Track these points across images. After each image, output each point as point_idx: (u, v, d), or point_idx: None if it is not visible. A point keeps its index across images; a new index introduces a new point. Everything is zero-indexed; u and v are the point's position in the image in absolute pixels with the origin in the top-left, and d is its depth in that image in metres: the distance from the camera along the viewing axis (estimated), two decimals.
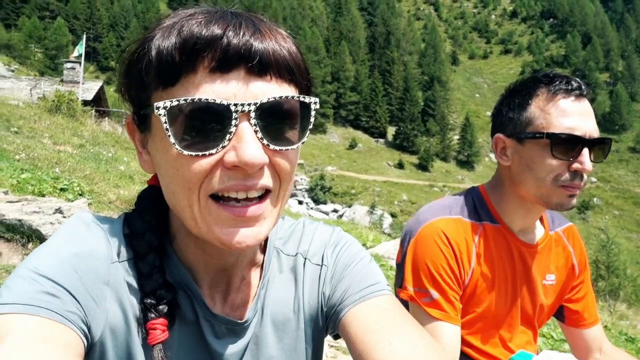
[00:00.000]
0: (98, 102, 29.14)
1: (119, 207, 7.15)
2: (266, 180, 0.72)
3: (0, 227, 4.73)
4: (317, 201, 67.10)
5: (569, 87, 1.39)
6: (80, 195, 7.05)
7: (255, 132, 0.68)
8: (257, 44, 0.68)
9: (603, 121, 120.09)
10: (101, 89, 31.02)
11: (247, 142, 0.67)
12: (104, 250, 0.77)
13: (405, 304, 1.56)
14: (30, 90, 26.47)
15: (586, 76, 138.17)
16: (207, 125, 0.68)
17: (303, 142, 0.77)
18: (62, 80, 28.92)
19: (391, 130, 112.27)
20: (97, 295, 0.74)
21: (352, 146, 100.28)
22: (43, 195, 6.35)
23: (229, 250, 0.76)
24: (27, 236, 4.72)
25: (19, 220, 4.75)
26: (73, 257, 0.73)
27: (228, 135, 0.67)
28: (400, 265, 1.55)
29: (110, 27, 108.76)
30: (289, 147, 0.73)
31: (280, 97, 0.70)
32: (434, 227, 1.50)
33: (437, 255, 1.46)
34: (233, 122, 0.67)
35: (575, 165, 1.37)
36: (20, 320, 0.64)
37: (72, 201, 6.18)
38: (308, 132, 0.76)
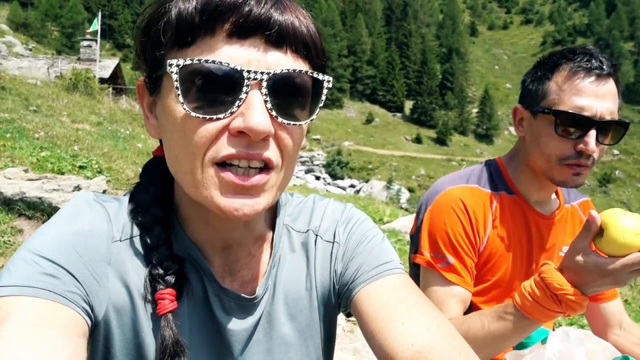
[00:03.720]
0: (115, 80, 29.30)
1: None
2: (270, 152, 0.71)
3: (21, 204, 4.82)
4: (334, 176, 67.07)
5: (590, 66, 1.36)
6: (99, 172, 7.13)
7: (265, 102, 0.68)
8: (277, 15, 0.68)
9: (627, 92, 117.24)
10: (118, 66, 31.15)
11: (255, 109, 0.67)
12: (105, 229, 0.77)
13: (416, 273, 1.57)
14: (48, 68, 26.66)
15: (610, 45, 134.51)
16: (218, 89, 0.67)
17: (312, 120, 0.76)
18: (78, 59, 29.13)
19: (408, 104, 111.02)
20: (98, 275, 0.74)
21: (369, 121, 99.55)
22: (62, 173, 6.42)
23: (230, 220, 0.75)
24: (47, 214, 4.80)
25: (39, 198, 4.83)
26: (73, 236, 0.73)
27: (238, 102, 0.67)
28: (416, 234, 1.56)
29: (125, 4, 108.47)
30: (296, 123, 0.72)
31: (294, 70, 0.69)
32: (450, 194, 1.51)
33: (454, 221, 1.47)
34: (244, 89, 0.67)
35: (580, 146, 1.35)
36: (20, 302, 0.64)
37: (91, 179, 6.26)
38: (317, 110, 0.75)
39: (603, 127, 1.35)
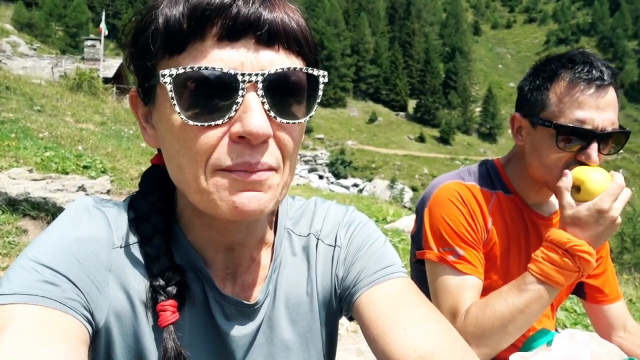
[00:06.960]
0: (119, 80, 29.29)
1: None
2: (270, 157, 0.70)
3: (25, 205, 4.83)
4: (337, 176, 67.14)
5: (590, 77, 1.33)
6: (103, 172, 7.14)
7: (262, 103, 0.67)
8: (267, 13, 0.67)
9: (631, 90, 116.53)
10: (122, 66, 31.08)
11: (253, 112, 0.66)
12: (105, 235, 0.77)
13: (417, 274, 1.57)
14: (52, 68, 26.72)
15: (614, 44, 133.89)
16: (214, 95, 0.66)
17: (311, 116, 0.75)
18: (82, 58, 29.16)
19: (412, 103, 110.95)
20: (99, 282, 0.73)
21: (372, 120, 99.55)
22: (66, 173, 6.44)
23: (235, 222, 0.73)
24: (52, 214, 4.81)
25: (44, 198, 4.84)
26: (73, 243, 0.72)
27: (235, 106, 0.66)
28: (418, 233, 1.56)
29: (129, 3, 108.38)
30: (295, 121, 0.72)
31: (289, 69, 0.69)
32: (448, 188, 1.51)
33: (454, 212, 1.47)
34: (240, 92, 0.66)
35: (582, 158, 1.34)
36: (20, 310, 0.64)
37: (95, 178, 6.26)
38: (316, 107, 0.75)
39: (604, 138, 1.34)
